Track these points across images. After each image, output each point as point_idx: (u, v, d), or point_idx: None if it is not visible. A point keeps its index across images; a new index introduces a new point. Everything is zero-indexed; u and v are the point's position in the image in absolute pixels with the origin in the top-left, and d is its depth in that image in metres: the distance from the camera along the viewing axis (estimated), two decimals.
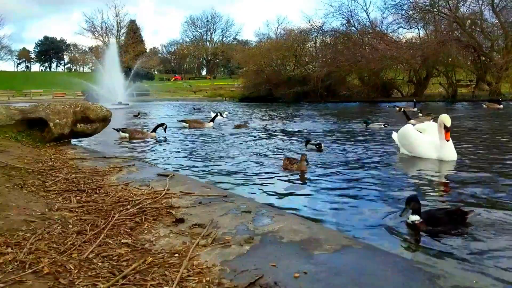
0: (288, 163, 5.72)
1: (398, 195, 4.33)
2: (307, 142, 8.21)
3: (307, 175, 5.43)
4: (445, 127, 6.09)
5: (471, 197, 4.14)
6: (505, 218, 3.41)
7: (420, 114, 13.81)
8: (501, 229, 3.18)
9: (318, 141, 8.07)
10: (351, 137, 9.72)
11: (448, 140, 6.10)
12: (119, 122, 15.01)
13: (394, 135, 7.47)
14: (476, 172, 5.39)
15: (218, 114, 14.95)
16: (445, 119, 6.08)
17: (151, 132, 10.24)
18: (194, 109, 24.12)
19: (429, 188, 4.77)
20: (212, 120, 13.48)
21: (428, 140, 6.53)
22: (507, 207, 3.76)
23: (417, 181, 5.14)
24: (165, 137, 10.21)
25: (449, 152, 6.19)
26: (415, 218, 3.19)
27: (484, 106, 19.95)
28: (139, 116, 17.88)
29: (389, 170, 5.77)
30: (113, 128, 10.07)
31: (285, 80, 35.76)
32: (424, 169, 5.83)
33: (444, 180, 5.26)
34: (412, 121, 12.15)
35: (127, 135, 9.79)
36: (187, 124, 12.75)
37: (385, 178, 5.25)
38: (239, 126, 12.37)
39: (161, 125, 10.43)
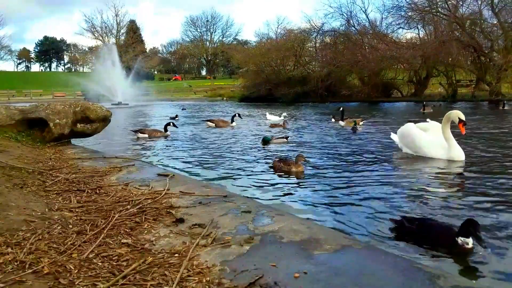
0: (283, 165, 5.59)
1: (400, 195, 4.33)
2: (265, 141, 8.26)
3: (307, 175, 5.43)
4: (460, 120, 6.17)
5: (486, 200, 4.06)
6: None
7: (333, 120, 13.66)
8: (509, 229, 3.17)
9: (284, 135, 8.49)
10: (352, 137, 9.72)
11: (464, 134, 6.36)
12: (150, 124, 14.69)
13: (393, 136, 7.44)
14: (486, 172, 5.39)
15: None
16: (459, 113, 6.21)
17: (165, 131, 10.54)
18: (183, 109, 24.29)
19: (437, 188, 4.71)
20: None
21: (435, 140, 6.50)
22: None
23: (423, 181, 5.10)
24: (169, 135, 10.44)
25: (458, 151, 6.21)
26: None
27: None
28: (177, 118, 16.24)
29: (391, 170, 5.77)
30: (130, 130, 10.59)
31: (285, 80, 35.70)
32: (431, 169, 5.81)
33: (455, 180, 5.20)
34: (341, 122, 12.24)
35: (146, 135, 10.10)
36: (213, 124, 12.89)
37: (387, 177, 5.24)
38: (275, 125, 12.34)
39: (168, 124, 10.76)
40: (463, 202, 4.01)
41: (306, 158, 5.75)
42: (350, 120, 12.21)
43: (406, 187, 4.71)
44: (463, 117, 6.17)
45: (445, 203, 4.01)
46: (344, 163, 6.35)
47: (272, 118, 15.27)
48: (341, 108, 13.54)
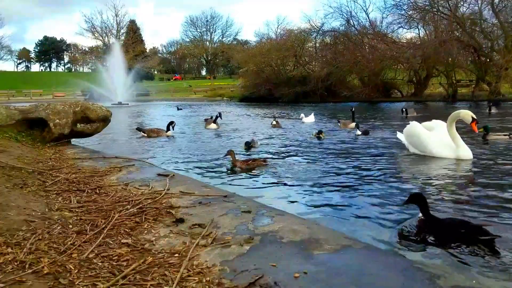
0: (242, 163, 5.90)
1: (404, 194, 4.31)
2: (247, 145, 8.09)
3: (307, 175, 5.42)
4: (473, 119, 6.24)
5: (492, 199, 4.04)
6: None
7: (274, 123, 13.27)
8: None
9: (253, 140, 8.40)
10: (354, 136, 9.71)
11: (476, 131, 6.52)
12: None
13: (400, 135, 7.41)
14: (495, 171, 5.38)
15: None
16: (470, 113, 6.30)
17: (166, 131, 10.50)
18: (178, 109, 24.23)
19: (445, 188, 4.67)
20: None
21: (442, 139, 6.47)
22: None
23: (431, 181, 5.06)
24: (173, 136, 10.41)
25: (466, 151, 6.21)
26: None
27: None
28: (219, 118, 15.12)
29: (396, 170, 5.73)
30: (136, 129, 11.08)
31: (285, 80, 35.79)
32: (439, 168, 5.78)
33: (465, 180, 5.16)
34: (351, 124, 11.95)
35: (145, 134, 10.41)
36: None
37: (391, 177, 5.21)
38: (275, 126, 12.39)
39: (171, 123, 10.76)
40: (475, 202, 3.98)
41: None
42: (346, 122, 12.24)
43: (413, 187, 4.68)
44: (474, 116, 6.24)
45: (456, 202, 3.99)
46: (347, 162, 6.34)
47: (307, 120, 14.94)
48: (353, 109, 13.39)
